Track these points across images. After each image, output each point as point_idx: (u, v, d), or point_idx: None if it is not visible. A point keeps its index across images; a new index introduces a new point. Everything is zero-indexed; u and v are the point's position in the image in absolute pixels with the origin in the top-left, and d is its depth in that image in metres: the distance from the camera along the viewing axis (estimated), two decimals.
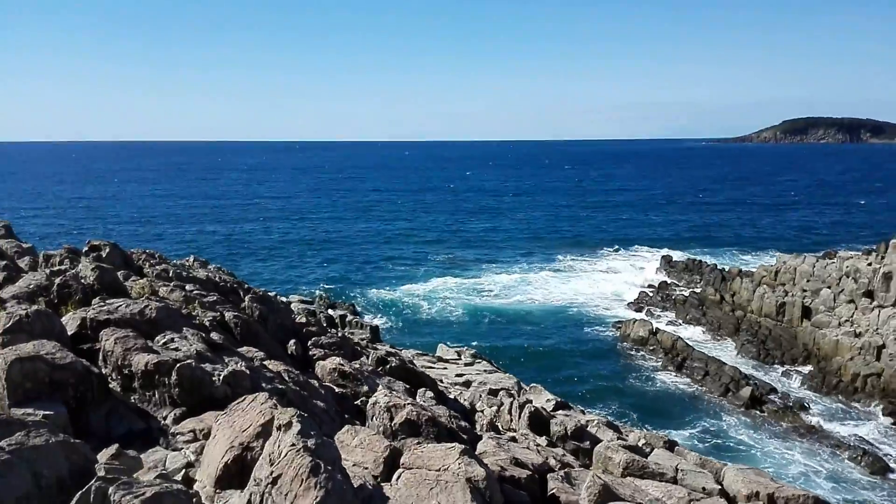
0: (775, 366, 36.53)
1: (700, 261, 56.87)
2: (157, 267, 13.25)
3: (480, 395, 12.31)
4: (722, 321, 42.28)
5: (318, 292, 50.45)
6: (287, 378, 7.87)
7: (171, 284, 10.72)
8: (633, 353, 38.58)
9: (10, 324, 6.92)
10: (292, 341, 10.45)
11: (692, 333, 41.17)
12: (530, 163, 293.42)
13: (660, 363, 36.69)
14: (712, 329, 42.21)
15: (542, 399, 13.76)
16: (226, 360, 7.42)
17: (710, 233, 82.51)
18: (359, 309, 47.14)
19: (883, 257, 38.85)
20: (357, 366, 9.46)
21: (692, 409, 31.70)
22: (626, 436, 11.59)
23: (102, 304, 8.28)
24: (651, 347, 38.31)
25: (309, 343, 10.95)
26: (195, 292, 10.64)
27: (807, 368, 35.27)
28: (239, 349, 8.47)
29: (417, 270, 61.98)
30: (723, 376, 33.74)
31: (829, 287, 39.46)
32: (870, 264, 38.89)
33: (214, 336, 8.45)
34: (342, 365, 8.95)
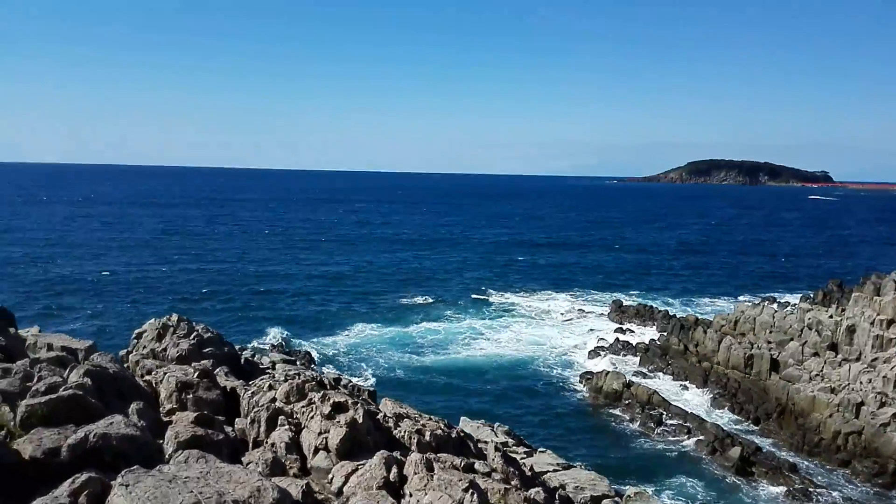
0: (750, 422, 35.83)
1: (651, 306, 56.49)
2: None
3: None
4: (689, 372, 41.52)
5: (269, 340, 46.19)
6: None
7: None
8: (607, 408, 36.89)
9: None
10: None
11: (661, 385, 40.07)
12: (444, 197, 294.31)
13: (638, 420, 35.12)
14: (679, 380, 41.36)
15: None
16: None
17: (647, 274, 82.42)
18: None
19: (844, 310, 39.30)
20: None
21: (683, 472, 30.16)
22: None
23: None
24: (626, 402, 36.78)
25: None
26: None
27: (784, 424, 34.69)
28: None
29: (331, 317, 55.82)
30: (706, 434, 32.67)
31: (792, 339, 39.51)
32: (831, 316, 39.24)
33: None
34: None
